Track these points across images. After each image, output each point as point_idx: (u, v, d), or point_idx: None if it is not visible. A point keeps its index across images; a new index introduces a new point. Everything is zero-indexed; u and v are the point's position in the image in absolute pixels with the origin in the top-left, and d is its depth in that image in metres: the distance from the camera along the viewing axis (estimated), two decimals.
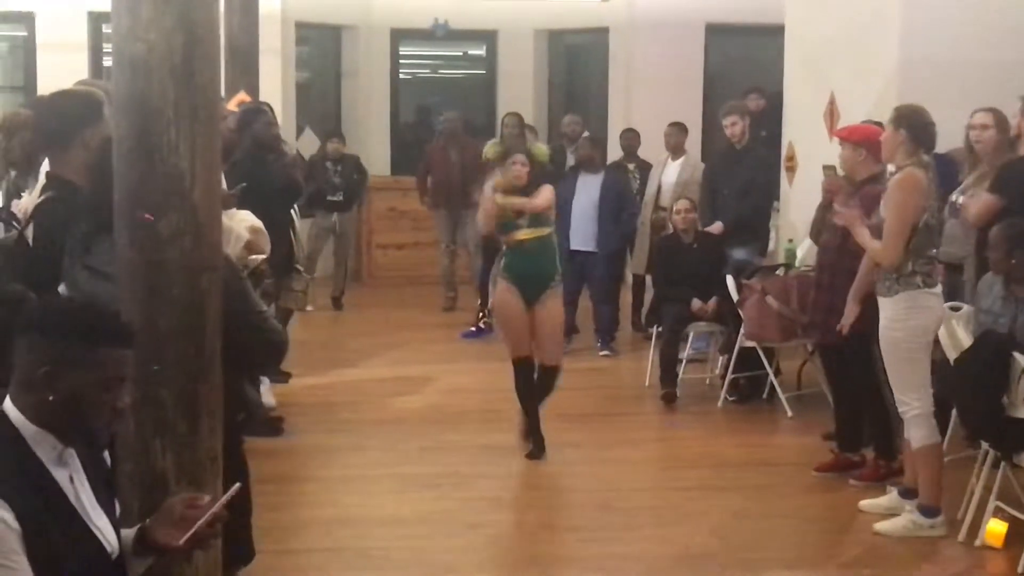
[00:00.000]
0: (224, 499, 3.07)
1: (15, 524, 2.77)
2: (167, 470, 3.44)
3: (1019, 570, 5.69)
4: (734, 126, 10.35)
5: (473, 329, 11.52)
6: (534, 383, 7.58)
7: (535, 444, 7.54)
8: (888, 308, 6.21)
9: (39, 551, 2.82)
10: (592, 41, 15.88)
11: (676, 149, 11.56)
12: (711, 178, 10.53)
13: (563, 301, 7.84)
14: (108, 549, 3.03)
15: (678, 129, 11.64)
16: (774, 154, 11.29)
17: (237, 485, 3.15)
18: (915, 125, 6.22)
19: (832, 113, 10.34)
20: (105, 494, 3.09)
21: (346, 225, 13.22)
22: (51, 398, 2.85)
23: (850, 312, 6.77)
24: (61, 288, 3.90)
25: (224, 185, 5.52)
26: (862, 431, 7.23)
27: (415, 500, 6.79)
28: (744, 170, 10.26)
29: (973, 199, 7.08)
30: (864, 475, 7.04)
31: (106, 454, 3.16)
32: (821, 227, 7.62)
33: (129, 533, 3.11)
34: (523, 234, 7.48)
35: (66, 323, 2.91)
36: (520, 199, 7.48)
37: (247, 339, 3.88)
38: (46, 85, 8.17)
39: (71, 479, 2.96)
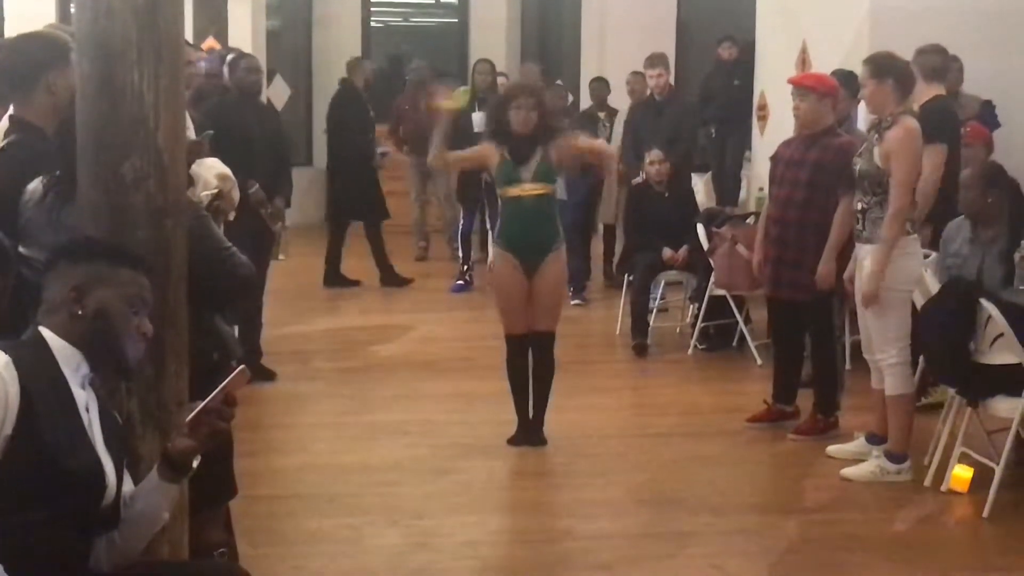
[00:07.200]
0: (228, 380, 3.16)
1: (14, 395, 2.89)
2: (133, 413, 3.43)
3: (984, 515, 5.76)
4: (660, 77, 10.53)
5: (461, 283, 11.50)
6: (527, 363, 6.83)
7: (522, 428, 6.83)
8: (878, 254, 6.17)
9: (43, 441, 2.92)
10: None
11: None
12: (633, 130, 10.56)
13: None
14: (107, 481, 3.08)
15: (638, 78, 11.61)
16: (695, 104, 11.80)
17: (242, 367, 3.21)
18: (900, 72, 6.20)
19: (804, 62, 10.32)
20: (115, 447, 3.15)
21: None
22: (80, 312, 3.07)
23: (828, 272, 6.70)
24: (21, 248, 3.83)
25: (192, 133, 5.49)
26: (798, 384, 7.25)
27: (385, 447, 6.81)
28: (667, 120, 10.41)
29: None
30: (803, 429, 7.03)
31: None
32: None
33: (151, 474, 3.21)
34: (523, 189, 6.65)
35: (91, 247, 3.22)
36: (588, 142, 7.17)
37: (215, 276, 3.87)
38: (14, 30, 8.07)
39: (87, 408, 3.08)
